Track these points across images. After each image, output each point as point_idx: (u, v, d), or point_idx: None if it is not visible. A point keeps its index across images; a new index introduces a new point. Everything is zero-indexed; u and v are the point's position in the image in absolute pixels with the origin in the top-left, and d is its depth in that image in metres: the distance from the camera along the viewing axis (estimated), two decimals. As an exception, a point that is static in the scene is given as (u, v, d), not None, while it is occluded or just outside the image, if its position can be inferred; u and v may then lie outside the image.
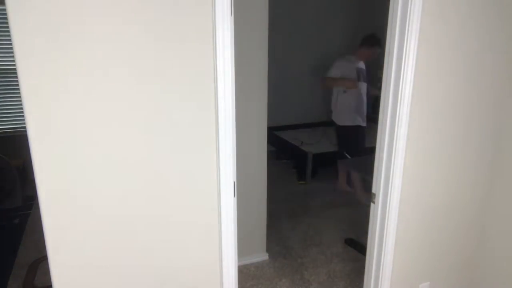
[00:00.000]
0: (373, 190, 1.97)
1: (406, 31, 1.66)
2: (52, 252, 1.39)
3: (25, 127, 1.25)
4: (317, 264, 2.96)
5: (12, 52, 2.28)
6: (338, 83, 3.85)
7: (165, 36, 1.34)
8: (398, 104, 1.76)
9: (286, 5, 5.20)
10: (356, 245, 3.18)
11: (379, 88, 1.86)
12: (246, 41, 2.49)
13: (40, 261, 2.50)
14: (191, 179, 1.53)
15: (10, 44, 1.73)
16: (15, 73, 1.61)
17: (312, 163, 4.47)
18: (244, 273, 2.86)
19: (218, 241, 1.64)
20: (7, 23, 1.31)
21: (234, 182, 1.60)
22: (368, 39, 3.83)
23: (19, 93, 1.26)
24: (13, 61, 2.83)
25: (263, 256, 3.01)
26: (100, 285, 1.49)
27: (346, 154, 4.03)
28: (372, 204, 1.99)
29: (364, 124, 3.95)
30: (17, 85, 2.48)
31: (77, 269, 1.44)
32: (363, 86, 3.91)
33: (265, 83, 2.64)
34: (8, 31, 1.34)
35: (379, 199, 1.93)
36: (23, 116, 1.44)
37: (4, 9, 1.29)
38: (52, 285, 1.42)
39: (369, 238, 2.04)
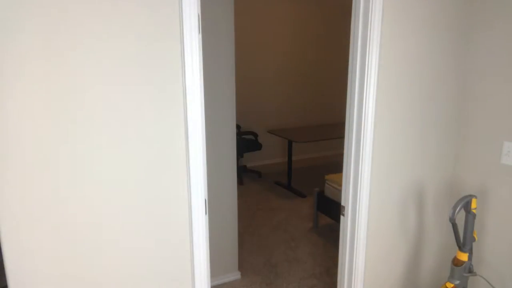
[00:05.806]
0: (342, 203, 2.01)
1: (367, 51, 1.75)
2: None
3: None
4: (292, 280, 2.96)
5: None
6: None
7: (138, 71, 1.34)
8: (362, 123, 1.83)
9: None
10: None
11: None
12: (214, 63, 2.52)
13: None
14: (162, 197, 1.51)
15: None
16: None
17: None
18: (217, 294, 2.81)
19: (190, 260, 1.62)
20: None
21: (205, 200, 1.59)
22: None
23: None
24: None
25: (236, 275, 2.97)
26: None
27: None
28: (342, 217, 2.03)
29: None
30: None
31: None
32: None
33: (233, 106, 2.66)
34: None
35: (349, 211, 1.97)
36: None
37: None
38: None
39: (340, 251, 2.07)
